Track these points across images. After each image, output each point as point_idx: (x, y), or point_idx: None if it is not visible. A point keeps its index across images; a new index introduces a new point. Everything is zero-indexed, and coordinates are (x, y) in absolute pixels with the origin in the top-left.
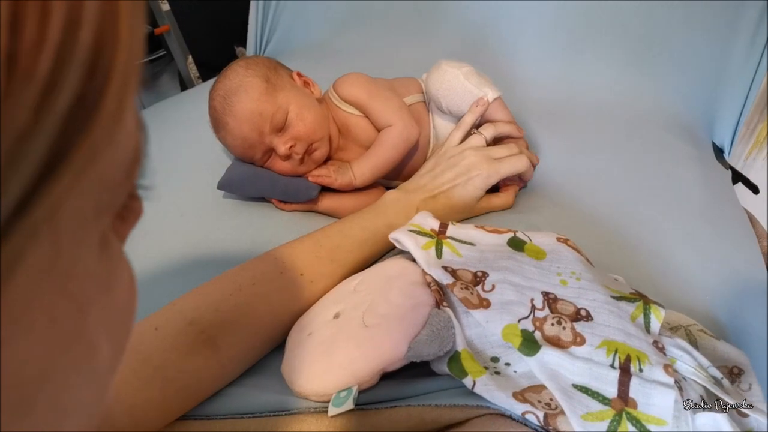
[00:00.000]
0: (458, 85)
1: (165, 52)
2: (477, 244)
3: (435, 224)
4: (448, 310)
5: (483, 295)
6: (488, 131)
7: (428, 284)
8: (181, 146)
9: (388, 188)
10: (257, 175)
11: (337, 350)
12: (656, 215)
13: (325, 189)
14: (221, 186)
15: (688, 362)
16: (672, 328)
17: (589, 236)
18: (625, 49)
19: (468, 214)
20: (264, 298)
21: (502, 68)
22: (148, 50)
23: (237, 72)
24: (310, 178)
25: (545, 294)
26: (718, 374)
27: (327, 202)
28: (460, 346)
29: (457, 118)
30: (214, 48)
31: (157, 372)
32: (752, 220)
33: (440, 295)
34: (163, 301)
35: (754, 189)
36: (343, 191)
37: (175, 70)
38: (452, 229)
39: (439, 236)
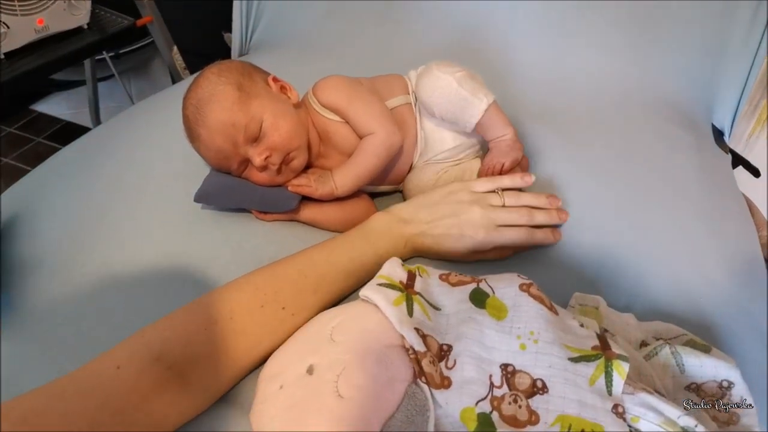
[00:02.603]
0: (452, 93)
1: (153, 39)
2: (442, 308)
3: (403, 275)
4: (425, 387)
5: (445, 372)
6: (510, 199)
7: (407, 350)
8: (160, 151)
9: (372, 194)
10: (234, 187)
11: (307, 422)
12: (650, 209)
13: (307, 198)
14: (198, 198)
15: (652, 419)
16: (651, 352)
17: (579, 234)
18: (619, 32)
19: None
20: (241, 333)
21: (493, 56)
22: (135, 38)
23: (209, 79)
24: (289, 188)
25: (504, 367)
26: (691, 423)
27: (309, 211)
28: (431, 430)
29: (451, 125)
30: (203, 35)
31: (115, 417)
32: (752, 208)
33: (419, 365)
34: (140, 317)
35: (755, 172)
36: (325, 200)
37: None
38: (419, 283)
39: (408, 290)
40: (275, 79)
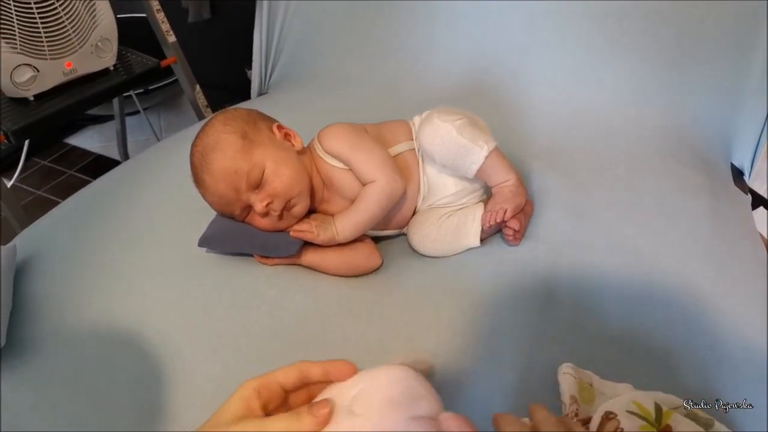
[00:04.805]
0: (452, 141)
1: None
2: None
3: None
4: None
5: None
6: None
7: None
8: (171, 195)
9: (377, 238)
10: (237, 231)
11: None
12: (654, 260)
13: (309, 242)
14: (201, 243)
15: None
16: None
17: (583, 286)
18: (633, 71)
19: None
20: None
21: (504, 95)
22: (161, 77)
23: (215, 127)
24: (291, 233)
25: None
26: None
27: (310, 256)
28: None
29: (452, 171)
30: (227, 71)
31: None
32: None
33: None
34: (138, 359)
35: None
36: (326, 246)
37: None
38: None
39: None
40: (280, 127)
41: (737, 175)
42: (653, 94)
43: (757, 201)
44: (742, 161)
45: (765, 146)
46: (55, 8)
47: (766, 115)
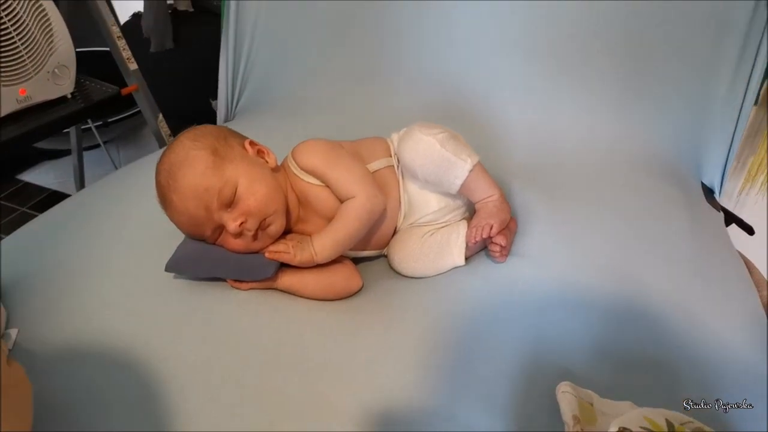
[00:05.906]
0: (435, 154)
1: None
2: None
3: None
4: None
5: None
6: None
7: None
8: (135, 220)
9: (356, 259)
10: (208, 254)
11: None
12: (641, 273)
13: (285, 264)
14: (169, 268)
15: None
16: None
17: (572, 302)
18: (603, 94)
19: None
20: None
21: (478, 116)
22: (122, 107)
23: (183, 144)
24: (267, 255)
25: None
26: None
27: (287, 279)
28: None
29: (435, 186)
30: (191, 102)
31: None
32: (750, 267)
33: None
34: (108, 386)
35: (749, 230)
36: (304, 267)
37: None
38: None
39: None
40: (252, 143)
41: (708, 193)
42: (625, 115)
43: (729, 218)
44: (712, 180)
45: (733, 164)
46: (9, 32)
47: (732, 134)
